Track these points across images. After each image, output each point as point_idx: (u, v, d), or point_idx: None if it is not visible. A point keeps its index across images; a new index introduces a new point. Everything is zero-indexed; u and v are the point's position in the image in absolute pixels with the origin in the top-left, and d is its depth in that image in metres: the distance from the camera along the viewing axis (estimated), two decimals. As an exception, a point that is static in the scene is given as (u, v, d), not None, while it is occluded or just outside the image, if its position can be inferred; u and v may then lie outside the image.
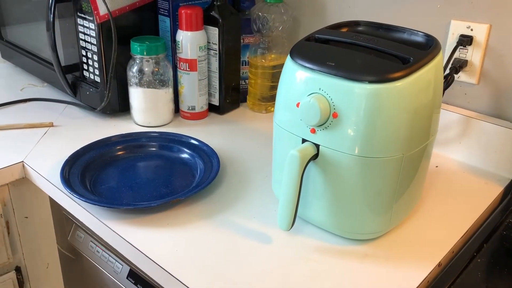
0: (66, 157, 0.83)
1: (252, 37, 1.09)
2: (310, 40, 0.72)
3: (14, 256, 0.94)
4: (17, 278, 0.95)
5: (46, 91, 1.17)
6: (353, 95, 0.61)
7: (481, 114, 0.89)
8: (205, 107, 1.06)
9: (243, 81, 1.13)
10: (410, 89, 0.62)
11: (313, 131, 0.65)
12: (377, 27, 0.75)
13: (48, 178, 0.82)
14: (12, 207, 0.91)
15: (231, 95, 1.09)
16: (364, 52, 0.67)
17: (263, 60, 1.06)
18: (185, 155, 0.88)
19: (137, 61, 0.97)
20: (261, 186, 0.82)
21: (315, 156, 0.66)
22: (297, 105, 0.65)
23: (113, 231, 0.70)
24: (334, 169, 0.65)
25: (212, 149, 0.87)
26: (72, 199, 0.76)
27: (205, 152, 0.87)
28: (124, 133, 0.92)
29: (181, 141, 0.90)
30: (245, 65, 1.11)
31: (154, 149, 0.90)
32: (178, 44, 1.00)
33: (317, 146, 0.65)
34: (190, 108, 1.04)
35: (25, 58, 1.22)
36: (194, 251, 0.67)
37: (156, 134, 0.93)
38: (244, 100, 1.14)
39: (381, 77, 0.61)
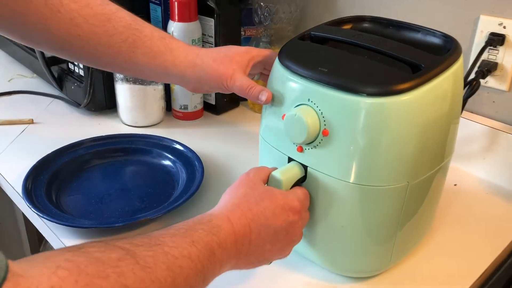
0: (35, 162, 0.74)
1: (253, 29, 0.98)
2: (304, 39, 0.61)
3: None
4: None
5: (34, 83, 1.09)
6: (348, 110, 0.50)
7: (510, 126, 0.76)
8: (200, 106, 0.96)
9: (243, 77, 1.02)
10: (419, 104, 0.50)
11: (300, 149, 0.55)
12: (386, 24, 0.63)
13: (13, 185, 0.74)
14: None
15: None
16: (367, 56, 0.55)
17: (265, 55, 0.95)
18: (167, 162, 0.79)
19: (123, 55, 0.88)
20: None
21: (303, 179, 0.56)
22: (283, 117, 0.55)
23: (72, 253, 0.62)
24: (324, 196, 0.55)
25: (198, 156, 0.77)
26: (34, 212, 0.68)
27: (189, 160, 0.77)
28: (101, 135, 0.83)
29: (164, 145, 0.81)
30: (246, 60, 1.00)
31: (133, 154, 0.80)
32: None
33: (305, 167, 0.55)
34: (183, 107, 0.94)
35: (16, 47, 1.14)
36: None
37: (136, 137, 0.83)
38: (244, 99, 1.03)
39: (384, 89, 0.49)
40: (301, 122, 0.51)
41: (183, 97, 0.93)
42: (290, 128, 0.53)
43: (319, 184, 0.54)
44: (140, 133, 0.85)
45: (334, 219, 0.55)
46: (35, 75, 1.12)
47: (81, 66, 0.92)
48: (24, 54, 1.11)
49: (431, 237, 0.66)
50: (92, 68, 0.89)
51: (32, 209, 0.65)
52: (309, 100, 0.52)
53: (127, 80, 0.88)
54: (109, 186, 0.73)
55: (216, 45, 0.92)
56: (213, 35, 0.92)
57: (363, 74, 0.52)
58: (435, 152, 0.55)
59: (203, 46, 0.93)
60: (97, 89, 0.93)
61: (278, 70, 0.57)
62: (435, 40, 0.59)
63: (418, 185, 0.54)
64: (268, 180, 0.54)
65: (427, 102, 0.51)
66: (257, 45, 0.96)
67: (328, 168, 0.53)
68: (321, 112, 0.51)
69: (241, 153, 0.84)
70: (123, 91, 0.90)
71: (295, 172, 0.55)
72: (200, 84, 0.64)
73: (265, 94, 0.57)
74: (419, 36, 0.60)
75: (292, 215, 0.51)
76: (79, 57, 0.63)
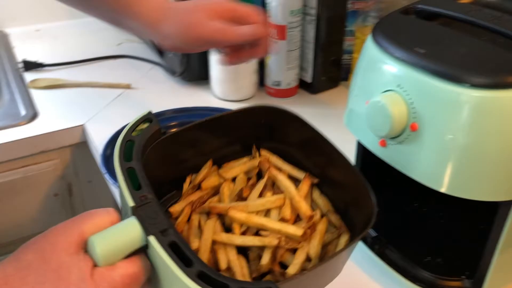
0: (119, 128, 0.75)
1: (362, 2, 0.88)
2: (408, 13, 0.51)
3: (76, 219, 0.92)
4: (78, 241, 0.93)
5: (140, 48, 1.11)
6: (445, 103, 0.40)
7: None
8: (294, 84, 0.90)
9: (346, 55, 0.93)
10: (544, 102, 0.39)
11: (382, 143, 0.46)
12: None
13: (98, 149, 0.75)
14: (75, 170, 0.88)
15: (328, 71, 0.91)
16: (484, 36, 0.44)
17: (373, 32, 0.85)
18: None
19: (218, 24, 0.84)
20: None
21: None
22: (366, 103, 0.46)
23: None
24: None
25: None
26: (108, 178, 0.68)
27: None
28: (187, 106, 0.80)
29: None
30: (351, 35, 0.91)
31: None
32: (268, 6, 0.84)
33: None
34: (275, 84, 0.89)
35: (127, 12, 1.17)
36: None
37: (217, 111, 0.79)
38: (346, 79, 0.94)
39: (496, 80, 0.39)
40: (385, 111, 0.43)
41: (277, 73, 0.88)
42: (372, 117, 0.45)
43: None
44: (226, 107, 0.82)
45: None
46: (141, 40, 1.14)
47: (179, 33, 0.90)
48: (133, 20, 1.14)
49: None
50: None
51: (107, 175, 0.64)
52: (398, 86, 0.43)
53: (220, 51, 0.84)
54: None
55: (318, 17, 0.84)
56: (315, 7, 0.84)
57: (471, 60, 0.41)
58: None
59: (303, 17, 0.86)
60: (192, 59, 0.91)
61: (368, 47, 0.48)
62: None
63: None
64: (87, 243, 0.36)
65: (556, 100, 0.39)
66: (365, 20, 0.86)
67: (415, 170, 0.44)
68: (411, 102, 0.42)
69: (335, 140, 0.76)
70: (215, 62, 0.86)
71: (128, 237, 0.35)
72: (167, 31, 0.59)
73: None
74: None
75: None
76: None
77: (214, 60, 0.86)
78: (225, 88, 0.88)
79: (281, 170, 0.52)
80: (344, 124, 0.53)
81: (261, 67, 0.90)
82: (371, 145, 0.48)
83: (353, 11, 0.89)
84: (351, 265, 0.55)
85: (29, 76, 0.95)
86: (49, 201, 0.87)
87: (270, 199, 0.47)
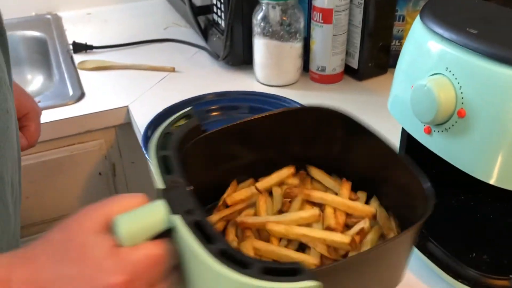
0: (160, 110, 0.75)
1: (415, -16, 0.84)
2: (461, -8, 0.48)
3: (119, 198, 0.94)
4: (121, 220, 0.95)
5: (186, 32, 1.11)
6: (498, 87, 0.37)
7: None
8: (339, 70, 0.87)
9: (396, 41, 0.89)
10: None
11: (427, 130, 0.44)
12: None
13: (141, 130, 0.76)
14: (119, 150, 0.89)
15: (376, 57, 0.87)
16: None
17: (424, 17, 0.81)
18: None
19: (263, 7, 0.82)
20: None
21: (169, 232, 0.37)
22: (412, 87, 0.44)
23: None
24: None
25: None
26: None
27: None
28: (228, 90, 0.80)
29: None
30: (401, 20, 0.87)
31: (252, 113, 0.76)
32: (314, -11, 0.82)
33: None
34: (320, 69, 0.86)
35: (174, -4, 1.18)
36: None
37: (257, 96, 0.78)
38: (395, 66, 0.90)
39: (557, 62, 0.35)
40: (430, 96, 0.40)
41: (322, 58, 0.85)
42: (417, 102, 0.42)
43: None
44: (270, 92, 0.80)
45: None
46: (188, 25, 1.14)
47: (223, 17, 0.89)
48: (180, 3, 1.14)
49: None
50: (231, 20, 0.86)
51: (147, 155, 0.65)
52: (446, 69, 0.40)
53: (264, 34, 0.83)
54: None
55: (366, 2, 0.81)
56: (363, -9, 0.81)
57: (529, 41, 0.38)
58: None
59: (351, 1, 0.83)
60: (236, 43, 0.90)
61: (416, 29, 0.46)
62: None
63: None
64: (112, 224, 0.36)
65: None
66: (417, 4, 0.82)
67: (461, 160, 0.41)
68: (460, 87, 0.39)
69: (380, 129, 0.73)
70: (259, 46, 0.85)
71: (153, 218, 0.35)
72: None
73: None
74: None
75: None
76: None
77: (258, 43, 0.85)
78: (268, 73, 0.87)
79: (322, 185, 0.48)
80: (389, 108, 0.51)
81: (306, 51, 0.88)
82: (416, 133, 0.46)
83: (404, -5, 0.85)
84: (390, 257, 0.53)
85: (78, 58, 0.98)
86: (94, 180, 0.89)
87: (305, 213, 0.43)
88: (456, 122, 0.40)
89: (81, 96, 0.86)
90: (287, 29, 0.83)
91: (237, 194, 0.47)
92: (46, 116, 0.77)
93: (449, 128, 0.41)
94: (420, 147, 0.46)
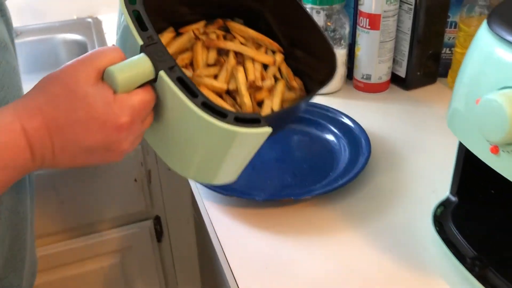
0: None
1: (470, -11, 0.79)
2: (533, -4, 0.43)
3: (153, 205, 0.92)
4: (154, 227, 0.93)
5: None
6: None
7: None
8: (385, 78, 0.83)
9: (447, 49, 0.84)
10: None
11: (495, 150, 0.39)
12: None
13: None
14: (155, 157, 0.87)
15: (425, 65, 0.83)
16: None
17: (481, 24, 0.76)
18: (331, 137, 0.69)
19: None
20: (423, 200, 0.58)
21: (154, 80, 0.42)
22: (477, 102, 0.40)
23: (207, 213, 0.59)
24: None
25: (367, 136, 0.66)
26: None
27: (356, 139, 0.66)
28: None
29: (331, 117, 0.71)
30: (453, 27, 0.82)
31: (295, 122, 0.72)
32: (361, -7, 0.78)
33: (156, 65, 0.40)
34: (365, 77, 0.82)
35: None
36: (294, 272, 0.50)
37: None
38: (445, 75, 0.85)
39: None
40: (501, 112, 0.36)
41: (368, 65, 0.81)
42: (485, 118, 0.38)
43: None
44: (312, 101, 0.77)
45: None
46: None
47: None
48: None
49: None
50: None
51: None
52: (520, 82, 0.36)
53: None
54: (264, 153, 0.67)
55: (416, 6, 0.77)
56: (414, -5, 0.76)
57: None
58: None
59: (400, 6, 0.78)
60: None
61: (482, 37, 0.41)
62: None
63: None
64: (104, 74, 0.40)
65: None
66: (471, 10, 0.77)
67: (534, 184, 0.37)
68: (537, 102, 0.35)
69: (428, 142, 0.69)
70: (302, 52, 0.82)
71: (141, 70, 0.39)
72: None
73: None
74: None
75: (116, 134, 0.40)
76: None
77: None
78: (310, 80, 0.83)
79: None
80: (446, 125, 0.46)
81: (350, 58, 0.84)
82: (480, 152, 0.41)
83: (457, 0, 0.80)
84: None
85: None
86: (129, 186, 0.87)
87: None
88: (530, 142, 0.36)
89: (118, 100, 0.84)
90: (332, 35, 0.79)
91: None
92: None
93: (522, 148, 0.37)
94: (478, 166, 0.42)
